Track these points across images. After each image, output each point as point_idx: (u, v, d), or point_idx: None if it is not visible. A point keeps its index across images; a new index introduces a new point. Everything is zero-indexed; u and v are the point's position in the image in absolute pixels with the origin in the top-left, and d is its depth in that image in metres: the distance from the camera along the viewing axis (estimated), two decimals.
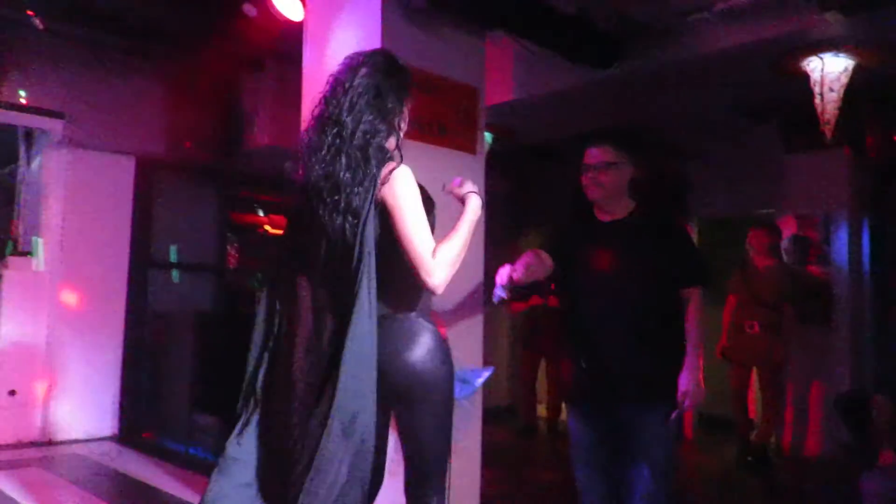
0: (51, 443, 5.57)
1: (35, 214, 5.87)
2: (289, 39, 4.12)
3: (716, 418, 6.10)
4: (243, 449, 2.19)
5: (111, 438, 5.84)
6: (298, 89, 3.59)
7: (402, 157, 2.17)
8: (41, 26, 5.19)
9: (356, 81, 2.14)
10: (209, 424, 5.40)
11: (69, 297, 5.77)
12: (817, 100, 4.28)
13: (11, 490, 4.27)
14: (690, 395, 2.65)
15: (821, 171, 5.79)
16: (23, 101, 5.49)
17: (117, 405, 5.95)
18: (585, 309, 2.78)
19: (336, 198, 2.06)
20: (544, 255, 2.82)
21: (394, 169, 2.09)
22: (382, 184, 2.07)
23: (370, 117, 2.11)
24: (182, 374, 5.70)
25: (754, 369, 5.55)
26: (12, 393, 5.50)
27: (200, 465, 4.94)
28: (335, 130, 2.11)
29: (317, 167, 2.11)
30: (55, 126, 5.68)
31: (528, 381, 6.88)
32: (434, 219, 2.20)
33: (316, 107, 2.20)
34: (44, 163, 5.91)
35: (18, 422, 5.52)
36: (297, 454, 2.06)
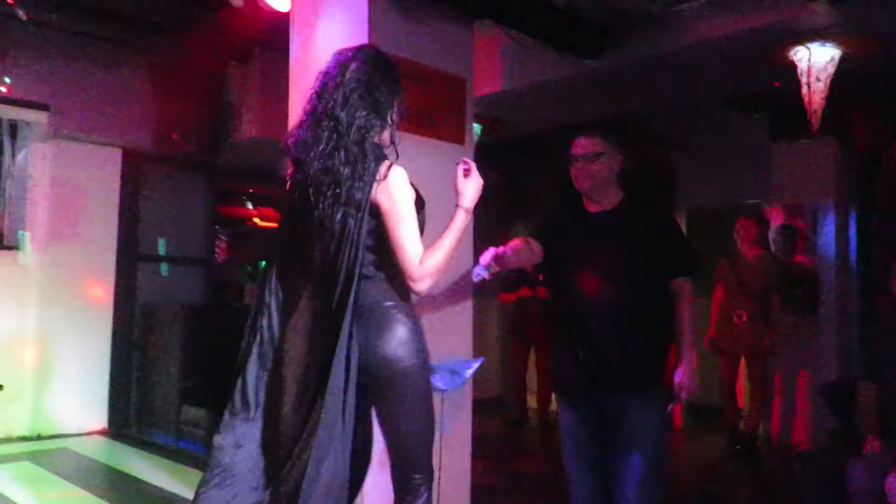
0: (40, 437, 5.54)
1: (21, 208, 5.81)
2: (276, 31, 4.09)
3: (704, 408, 6.14)
4: (236, 441, 2.19)
5: (101, 432, 5.82)
6: (285, 81, 3.57)
7: (397, 153, 2.21)
8: (25, 17, 5.13)
9: (347, 76, 2.16)
10: (198, 418, 5.39)
11: (57, 292, 5.73)
12: (804, 90, 4.29)
13: (1, 485, 4.24)
14: (687, 387, 2.69)
15: (808, 162, 5.82)
16: (6, 91, 5.43)
17: (106, 399, 5.93)
18: (575, 299, 2.78)
19: (338, 191, 2.09)
20: (533, 242, 2.82)
21: (390, 167, 2.13)
22: (378, 182, 2.10)
23: (364, 112, 2.14)
24: (171, 368, 5.69)
25: (742, 359, 5.60)
26: (0, 388, 5.46)
27: (190, 458, 4.94)
28: (331, 125, 2.13)
29: (315, 162, 2.13)
30: (40, 118, 5.62)
31: (518, 371, 6.90)
32: (424, 217, 2.23)
33: (307, 103, 2.22)
34: (29, 155, 5.85)
35: (7, 416, 5.50)
36: (290, 447, 2.08)
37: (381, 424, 2.24)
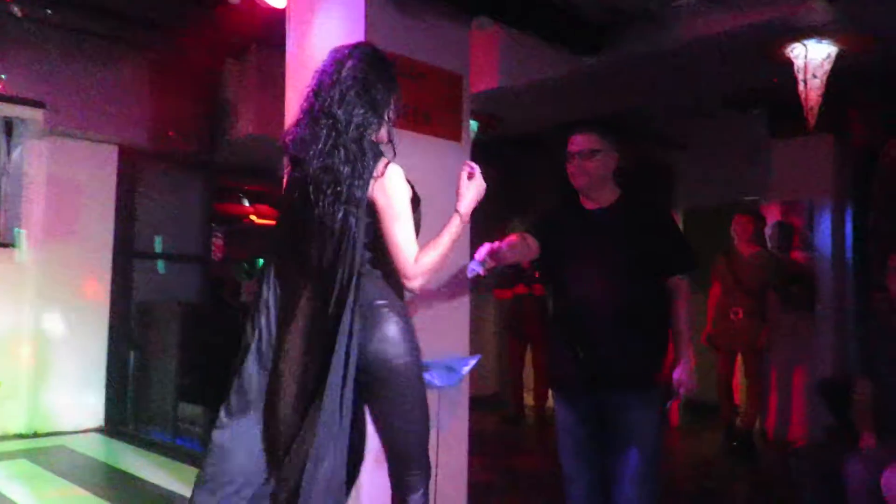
0: (37, 435, 5.54)
1: (16, 205, 5.81)
2: (272, 27, 4.08)
3: (701, 404, 6.15)
4: (233, 439, 2.19)
5: (97, 430, 5.81)
6: (282, 78, 3.56)
7: (395, 150, 2.23)
8: (21, 13, 5.12)
9: (344, 74, 2.17)
10: (195, 415, 5.39)
11: (53, 289, 5.72)
12: (801, 87, 4.29)
13: None
14: (685, 384, 2.70)
15: (804, 158, 5.82)
16: (1, 88, 5.41)
17: (103, 397, 5.92)
18: (572, 297, 2.78)
19: (339, 189, 2.10)
20: (530, 238, 2.82)
21: (387, 165, 2.14)
22: (375, 179, 2.11)
23: (361, 110, 2.15)
24: (167, 366, 5.69)
25: (739, 355, 5.61)
26: None
27: (187, 455, 4.93)
28: (329, 123, 2.14)
29: (315, 160, 2.13)
30: (36, 115, 5.61)
31: (515, 368, 6.90)
32: (419, 215, 2.24)
33: (304, 101, 2.22)
34: (24, 153, 5.83)
35: (3, 414, 5.49)
36: (288, 445, 2.09)
37: (375, 422, 2.24)
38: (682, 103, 5.94)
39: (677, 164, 6.98)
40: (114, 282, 6.03)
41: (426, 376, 2.70)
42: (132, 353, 6.09)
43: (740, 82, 5.24)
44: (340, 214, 2.09)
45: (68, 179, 5.79)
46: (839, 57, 4.22)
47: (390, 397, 2.17)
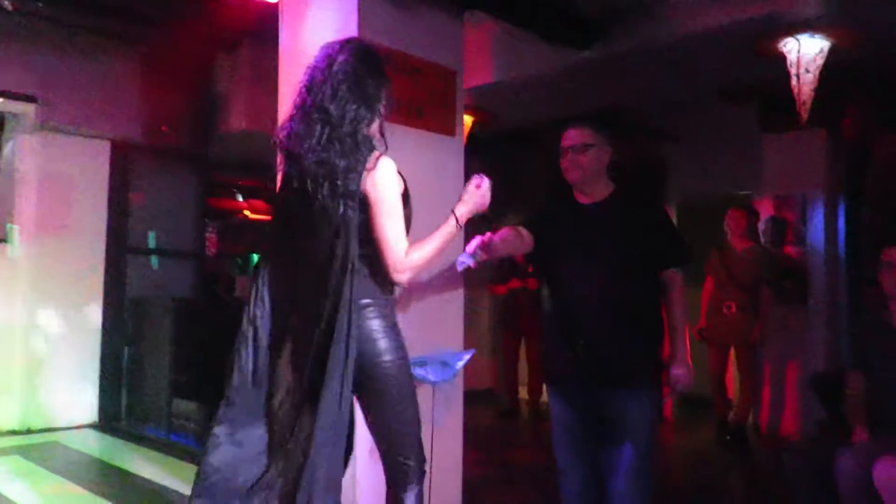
0: (30, 431, 5.52)
1: (8, 201, 5.77)
2: (264, 20, 4.07)
3: (694, 398, 6.17)
4: (231, 434, 2.20)
5: (91, 426, 5.80)
6: (275, 72, 3.55)
7: (386, 144, 2.25)
8: (11, 7, 5.07)
9: (335, 69, 2.18)
10: (189, 411, 5.38)
11: (46, 285, 5.69)
12: (794, 81, 4.30)
13: None
14: (681, 379, 2.72)
15: (797, 153, 5.84)
16: None
17: (97, 393, 5.91)
18: (567, 291, 2.78)
19: (336, 183, 2.11)
20: (524, 232, 2.83)
21: (379, 158, 2.16)
22: (367, 172, 2.13)
23: (354, 105, 2.17)
24: (161, 361, 5.67)
25: (732, 350, 5.63)
26: None
27: (181, 451, 4.93)
28: (323, 118, 2.15)
29: (310, 154, 2.15)
30: (27, 110, 5.58)
31: (510, 363, 6.91)
32: (410, 210, 2.26)
33: (297, 96, 2.24)
34: (16, 148, 5.80)
35: None
36: (285, 439, 2.10)
37: (367, 419, 2.25)
38: (676, 98, 5.95)
39: (670, 158, 6.99)
40: (107, 277, 6.00)
41: (421, 371, 2.72)
42: (126, 349, 6.07)
43: (732, 77, 5.25)
44: (341, 208, 2.10)
45: (61, 174, 5.76)
46: (832, 51, 4.23)
47: (379, 396, 2.18)
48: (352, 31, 3.16)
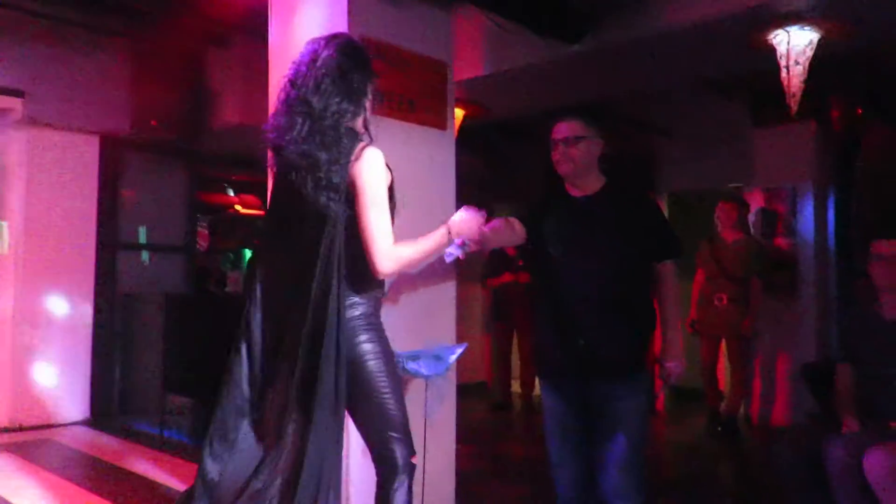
0: (21, 428, 5.50)
1: None
2: (255, 14, 4.04)
3: (686, 390, 6.21)
4: (228, 432, 2.20)
5: (83, 422, 5.78)
6: (266, 66, 3.53)
7: (371, 137, 2.24)
8: None
9: (319, 63, 2.19)
10: (182, 406, 5.37)
11: (36, 281, 5.66)
12: (783, 73, 4.30)
13: None
14: (674, 371, 2.74)
15: (787, 145, 5.86)
16: None
17: (88, 389, 5.89)
18: (559, 285, 2.78)
19: (318, 175, 2.11)
20: (516, 223, 2.83)
21: (365, 147, 2.16)
22: (352, 163, 2.13)
23: (337, 98, 2.17)
24: (153, 357, 5.66)
25: (723, 341, 5.65)
26: None
27: (175, 446, 4.92)
28: (305, 111, 2.16)
29: (291, 147, 2.15)
30: (15, 104, 5.53)
31: (502, 357, 6.93)
32: (395, 202, 2.25)
33: (282, 91, 2.25)
34: (4, 143, 5.76)
35: None
36: (279, 433, 2.10)
37: (351, 413, 2.25)
38: (666, 90, 5.95)
39: (660, 149, 7.00)
40: (98, 273, 5.98)
41: (414, 365, 2.71)
42: (117, 345, 6.06)
43: (724, 69, 5.25)
44: (322, 200, 2.10)
45: (49, 169, 5.72)
46: (821, 43, 4.24)
47: (364, 392, 2.19)
48: (342, 24, 3.15)
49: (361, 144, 2.17)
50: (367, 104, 2.28)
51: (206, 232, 8.59)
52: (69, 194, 5.82)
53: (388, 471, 2.21)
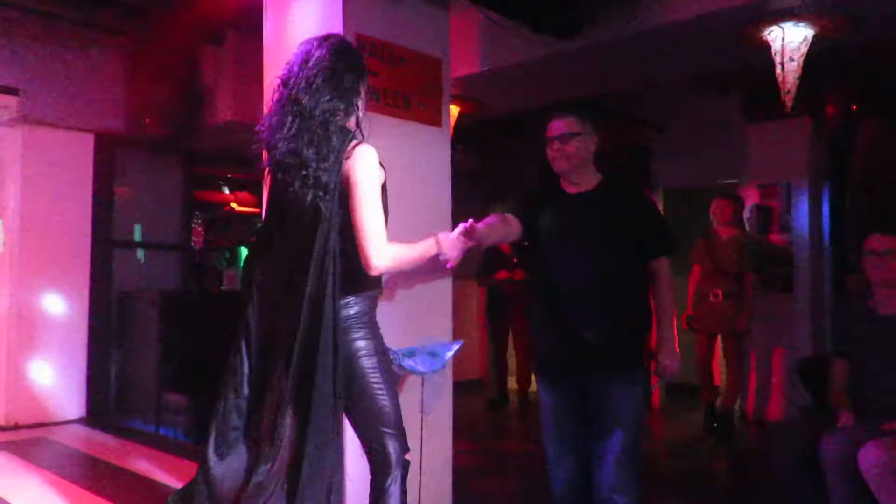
0: (17, 427, 5.49)
1: None
2: (249, 11, 4.03)
3: (681, 386, 6.22)
4: (227, 431, 2.21)
5: (79, 421, 5.77)
6: (260, 64, 3.53)
7: (363, 136, 2.25)
8: None
9: (311, 63, 2.21)
10: (178, 404, 5.37)
11: (31, 279, 5.65)
12: (778, 69, 4.31)
13: None
14: (669, 367, 2.76)
15: (782, 141, 5.86)
16: None
17: (85, 387, 5.88)
18: (555, 281, 2.79)
19: (304, 173, 2.12)
20: (513, 220, 2.83)
21: (357, 145, 2.16)
22: (346, 159, 2.14)
23: (328, 97, 2.18)
24: (149, 355, 5.65)
25: (718, 337, 5.67)
26: None
27: (171, 444, 4.92)
28: (295, 109, 2.17)
29: (280, 144, 2.16)
30: (9, 102, 5.52)
31: (498, 353, 6.94)
32: (386, 200, 2.26)
33: (275, 91, 2.27)
34: None
35: None
36: (273, 430, 2.10)
37: (346, 411, 2.25)
38: (661, 85, 5.95)
39: (655, 145, 7.01)
40: (93, 271, 5.97)
41: (410, 362, 2.72)
42: (113, 343, 6.05)
43: (718, 65, 5.26)
44: (310, 198, 2.11)
45: (44, 168, 5.71)
46: (816, 40, 4.25)
47: (357, 389, 2.20)
48: (337, 21, 3.14)
49: (354, 142, 2.18)
50: (360, 103, 2.29)
51: (202, 230, 8.57)
52: (64, 192, 5.81)
53: (381, 466, 2.22)
